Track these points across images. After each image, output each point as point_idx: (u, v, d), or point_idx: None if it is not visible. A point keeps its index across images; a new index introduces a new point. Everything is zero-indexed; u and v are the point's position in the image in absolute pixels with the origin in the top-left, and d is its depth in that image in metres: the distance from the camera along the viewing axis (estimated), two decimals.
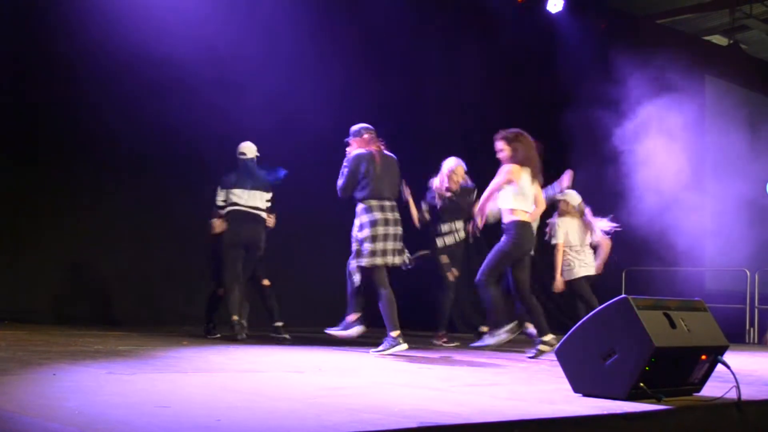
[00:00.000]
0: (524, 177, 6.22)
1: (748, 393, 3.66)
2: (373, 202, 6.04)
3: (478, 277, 6.27)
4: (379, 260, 5.99)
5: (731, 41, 12.82)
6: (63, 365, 4.12)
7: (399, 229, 6.14)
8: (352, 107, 9.17)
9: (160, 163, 8.69)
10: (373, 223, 5.99)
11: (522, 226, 6.19)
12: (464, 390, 3.91)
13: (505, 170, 6.25)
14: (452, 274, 7.75)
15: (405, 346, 5.90)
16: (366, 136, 6.23)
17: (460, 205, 7.74)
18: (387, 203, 6.11)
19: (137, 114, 8.34)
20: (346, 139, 6.35)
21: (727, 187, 10.74)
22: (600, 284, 8.03)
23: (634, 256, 10.84)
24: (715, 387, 3.73)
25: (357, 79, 9.57)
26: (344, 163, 6.18)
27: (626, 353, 3.44)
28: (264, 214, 7.39)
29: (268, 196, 7.45)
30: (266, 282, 7.49)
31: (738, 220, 10.93)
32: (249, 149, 7.50)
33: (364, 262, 5.99)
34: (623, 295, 3.54)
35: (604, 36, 11.17)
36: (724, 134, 11.82)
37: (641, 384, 3.40)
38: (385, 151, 6.27)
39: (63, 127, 8.21)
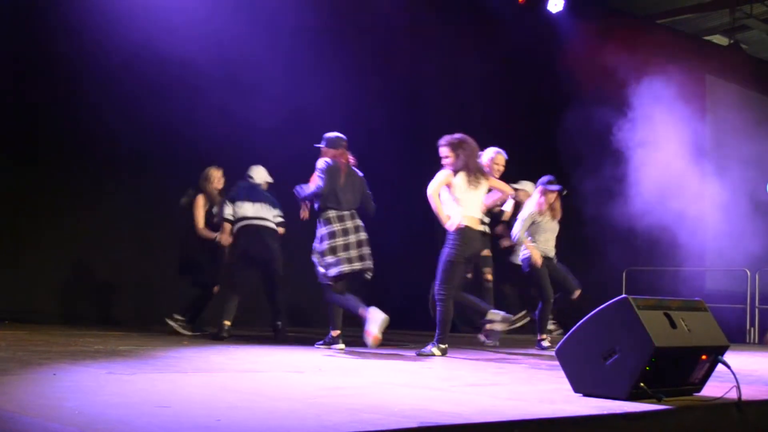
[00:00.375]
0: (460, 182, 6.14)
1: (749, 393, 3.66)
2: (331, 213, 6.24)
3: (435, 290, 6.07)
4: (345, 268, 6.16)
5: (731, 41, 12.83)
6: (63, 365, 4.12)
7: (361, 235, 6.29)
8: (351, 108, 9.18)
9: (160, 163, 8.69)
10: (332, 235, 6.19)
11: (461, 230, 6.05)
12: (464, 390, 3.91)
13: (440, 177, 6.18)
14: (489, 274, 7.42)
15: (343, 346, 6.19)
16: (340, 147, 6.42)
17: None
18: (345, 213, 6.29)
19: (137, 114, 8.34)
20: (318, 145, 6.47)
21: (728, 187, 10.74)
22: (600, 284, 8.04)
23: (634, 256, 10.84)
24: (716, 387, 3.72)
25: (356, 78, 9.57)
26: (319, 169, 6.30)
27: (627, 353, 3.43)
28: (273, 225, 7.37)
29: (276, 211, 7.45)
30: (216, 289, 7.52)
31: (738, 219, 10.92)
32: (258, 174, 7.50)
33: (333, 272, 6.14)
34: (623, 295, 3.54)
35: (605, 36, 11.16)
36: (725, 134, 11.82)
37: (641, 384, 3.40)
38: (353, 167, 6.45)
39: (63, 127, 8.21)
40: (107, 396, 3.14)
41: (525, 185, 8.24)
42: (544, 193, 7.28)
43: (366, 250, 6.29)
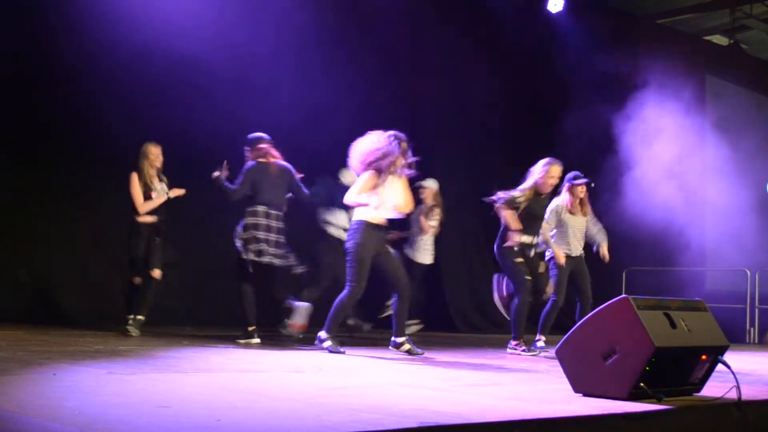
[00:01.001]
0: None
1: (749, 393, 3.66)
2: (260, 208, 6.68)
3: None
4: (252, 256, 6.63)
5: (731, 41, 12.82)
6: (63, 365, 4.12)
7: (281, 238, 6.76)
8: (354, 109, 9.15)
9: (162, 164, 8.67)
10: (255, 226, 6.65)
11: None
12: (464, 390, 3.91)
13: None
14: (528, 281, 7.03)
15: (258, 340, 6.65)
16: (261, 146, 6.81)
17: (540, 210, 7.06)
18: (273, 212, 6.74)
19: (138, 114, 8.32)
20: (245, 148, 6.88)
21: (727, 186, 10.74)
22: (600, 284, 8.02)
23: (634, 256, 10.84)
24: (716, 387, 3.73)
25: (356, 78, 9.55)
26: (241, 172, 6.75)
27: (626, 353, 3.44)
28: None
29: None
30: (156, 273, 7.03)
31: (738, 219, 10.93)
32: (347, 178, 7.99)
33: (251, 257, 6.63)
34: (623, 295, 3.54)
35: (605, 36, 11.16)
36: (724, 134, 11.82)
37: (641, 384, 3.40)
38: (279, 162, 6.84)
39: (63, 127, 8.20)
40: (107, 396, 3.14)
41: (429, 183, 8.43)
42: (571, 189, 7.16)
43: (281, 251, 6.75)
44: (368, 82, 9.68)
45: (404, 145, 6.09)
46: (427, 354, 6.18)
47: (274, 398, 3.33)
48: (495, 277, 7.23)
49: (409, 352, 5.92)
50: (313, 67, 9.39)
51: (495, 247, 7.01)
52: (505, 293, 7.09)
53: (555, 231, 7.25)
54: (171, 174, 8.59)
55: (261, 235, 6.64)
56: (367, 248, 5.87)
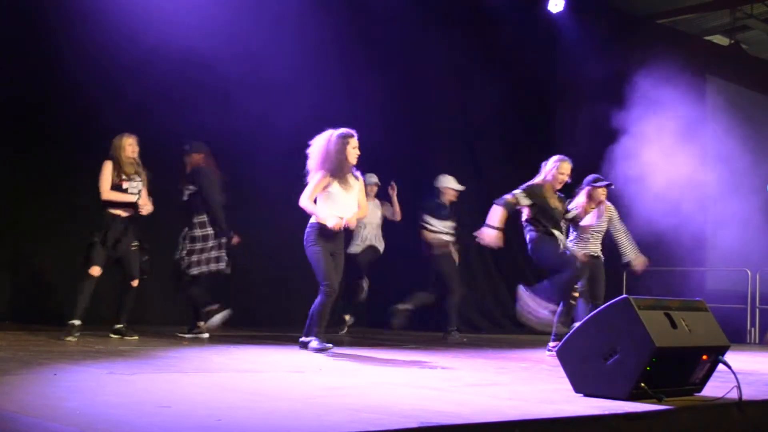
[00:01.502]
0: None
1: (749, 393, 3.66)
2: (205, 218, 7.08)
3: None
4: (204, 269, 7.05)
5: (732, 41, 12.82)
6: (63, 365, 4.12)
7: (222, 240, 7.14)
8: (344, 106, 9.14)
9: (162, 165, 8.65)
10: (205, 238, 7.06)
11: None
12: (465, 390, 3.91)
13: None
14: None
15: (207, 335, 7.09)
16: (204, 152, 7.24)
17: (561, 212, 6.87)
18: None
19: (140, 114, 8.31)
20: (191, 152, 7.26)
21: (728, 186, 10.74)
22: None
23: None
24: (717, 387, 3.72)
25: (356, 77, 9.55)
26: (203, 177, 7.15)
27: (627, 353, 3.43)
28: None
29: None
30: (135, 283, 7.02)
31: (739, 219, 10.92)
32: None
33: (194, 271, 7.02)
34: (624, 295, 3.54)
35: (605, 36, 11.17)
36: (725, 134, 11.82)
37: (642, 384, 3.40)
38: (214, 169, 7.23)
39: (63, 126, 8.19)
40: (108, 396, 3.14)
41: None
42: (591, 192, 6.94)
43: (222, 253, 7.11)
44: (369, 82, 9.68)
45: (353, 142, 6.03)
46: (426, 354, 6.17)
47: (274, 398, 3.33)
48: (523, 290, 6.65)
49: (321, 350, 5.78)
50: (315, 68, 9.39)
51: (529, 249, 6.75)
52: (540, 310, 6.54)
53: (574, 233, 7.18)
54: (171, 175, 8.59)
55: (209, 244, 7.06)
56: (323, 248, 5.89)
